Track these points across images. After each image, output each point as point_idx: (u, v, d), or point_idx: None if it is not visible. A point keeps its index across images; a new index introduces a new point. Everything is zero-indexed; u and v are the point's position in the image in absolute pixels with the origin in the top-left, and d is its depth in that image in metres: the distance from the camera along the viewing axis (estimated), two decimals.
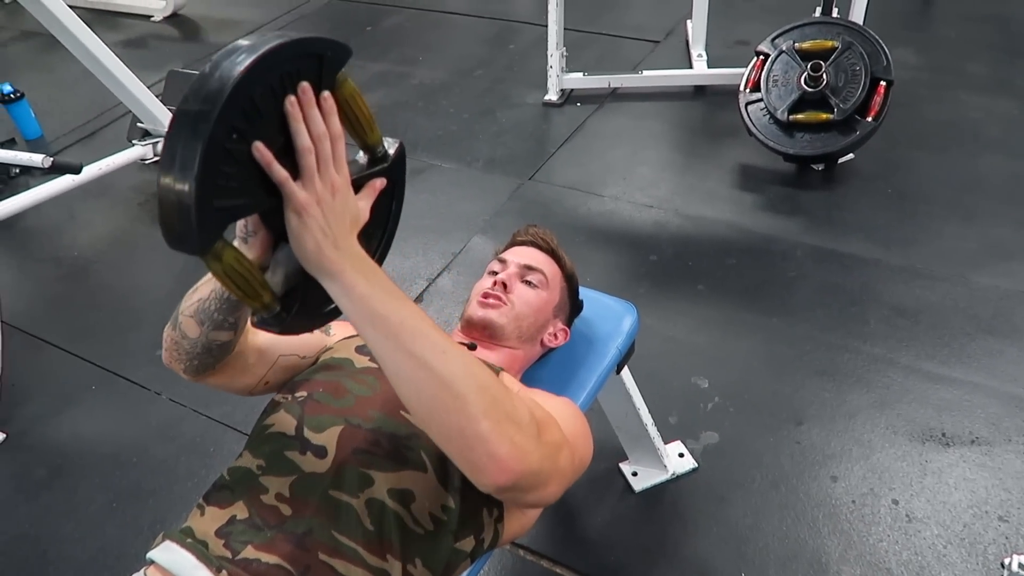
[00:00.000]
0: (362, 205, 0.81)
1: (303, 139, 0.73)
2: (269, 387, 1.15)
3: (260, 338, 1.11)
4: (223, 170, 0.68)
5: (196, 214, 0.66)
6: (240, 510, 0.96)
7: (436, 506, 0.98)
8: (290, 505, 0.95)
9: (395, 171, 0.87)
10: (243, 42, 0.70)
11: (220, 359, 1.02)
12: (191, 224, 0.66)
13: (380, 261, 0.92)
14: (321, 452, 0.98)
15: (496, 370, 1.18)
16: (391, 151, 0.87)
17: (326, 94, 0.75)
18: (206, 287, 0.95)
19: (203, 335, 0.97)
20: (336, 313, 0.82)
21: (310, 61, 0.73)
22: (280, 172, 0.72)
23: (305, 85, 0.73)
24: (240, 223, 0.81)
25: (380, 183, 0.85)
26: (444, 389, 0.77)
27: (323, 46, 0.74)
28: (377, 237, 0.91)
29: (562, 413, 1.02)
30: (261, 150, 0.70)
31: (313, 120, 0.74)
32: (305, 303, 0.82)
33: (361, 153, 0.85)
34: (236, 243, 0.83)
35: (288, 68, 0.71)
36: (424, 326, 0.78)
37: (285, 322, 0.81)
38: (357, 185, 0.81)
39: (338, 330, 1.27)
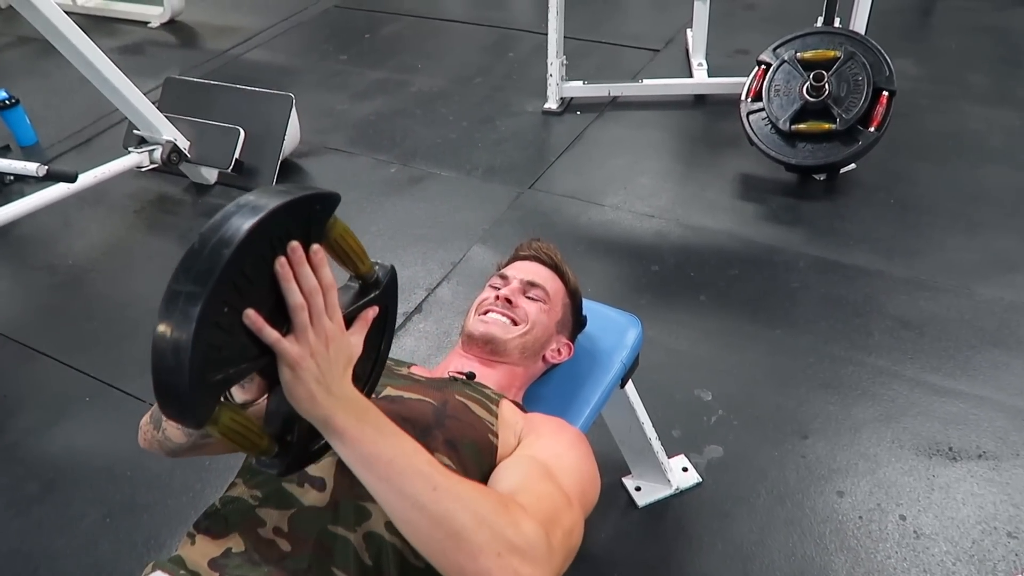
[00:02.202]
0: (355, 340, 0.80)
1: (295, 297, 0.73)
2: None
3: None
4: (215, 343, 0.68)
5: (191, 393, 0.66)
6: (236, 543, 0.93)
7: None
8: (289, 540, 0.92)
9: (387, 296, 0.88)
10: (233, 210, 0.69)
11: (204, 448, 1.03)
12: (188, 404, 0.67)
13: (374, 384, 0.94)
14: (320, 484, 0.96)
15: (495, 398, 1.15)
16: (382, 275, 0.87)
17: (316, 248, 0.75)
18: None
19: (189, 442, 0.98)
20: (330, 447, 0.82)
21: (299, 219, 0.73)
22: (272, 335, 0.71)
23: (295, 245, 0.72)
24: None
25: (372, 313, 0.84)
26: (438, 528, 0.75)
27: (312, 203, 0.74)
28: (371, 359, 0.91)
29: (570, 465, 0.99)
30: (252, 318, 0.70)
31: (304, 277, 0.73)
32: (302, 442, 0.82)
33: (351, 279, 0.86)
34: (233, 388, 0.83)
35: (278, 232, 0.71)
36: (415, 462, 0.77)
37: (283, 464, 0.82)
38: (350, 318, 0.81)
39: None
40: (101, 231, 2.91)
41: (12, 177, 3.00)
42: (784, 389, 1.99)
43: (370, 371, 0.93)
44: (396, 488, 0.76)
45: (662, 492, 1.76)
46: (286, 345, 0.73)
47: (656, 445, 1.68)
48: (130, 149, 2.84)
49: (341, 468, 0.97)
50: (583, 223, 2.67)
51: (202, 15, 4.62)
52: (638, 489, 1.77)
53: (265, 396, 0.82)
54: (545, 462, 0.97)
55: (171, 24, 4.55)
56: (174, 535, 1.77)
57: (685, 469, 1.80)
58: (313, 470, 0.97)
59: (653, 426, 1.65)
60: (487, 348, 1.26)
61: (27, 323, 2.44)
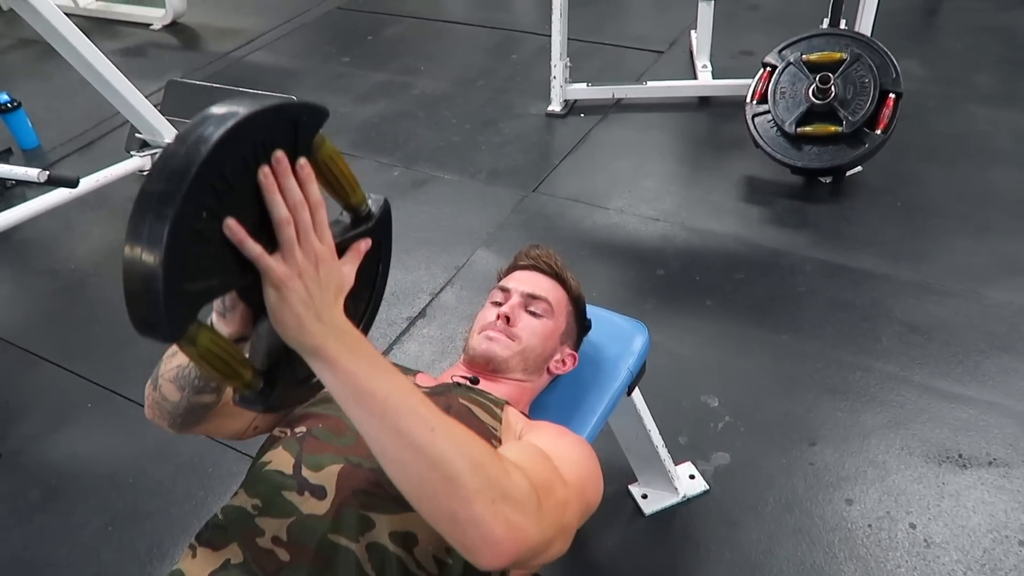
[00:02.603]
0: (346, 270, 0.76)
1: (280, 210, 0.68)
2: (259, 431, 1.12)
3: None
4: (192, 252, 0.63)
5: (165, 301, 0.61)
6: (235, 553, 0.92)
7: (441, 549, 0.94)
8: (288, 550, 0.91)
9: (380, 230, 0.83)
10: (213, 111, 0.64)
11: (204, 417, 0.99)
12: (160, 313, 0.61)
13: (368, 324, 0.88)
14: (320, 492, 0.94)
15: (500, 403, 1.14)
16: (375, 209, 0.82)
17: (302, 161, 0.71)
18: (183, 355, 0.90)
19: (184, 399, 0.93)
20: (321, 385, 0.77)
21: (284, 127, 0.69)
22: (254, 248, 0.67)
23: (279, 154, 0.68)
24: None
25: (365, 245, 0.80)
26: (433, 470, 0.72)
27: (297, 111, 0.70)
28: (364, 299, 0.87)
29: (570, 458, 0.97)
30: (233, 228, 0.65)
31: (289, 190, 0.69)
32: (289, 378, 0.77)
33: (344, 213, 0.81)
34: (214, 318, 0.79)
35: (261, 138, 0.67)
36: (411, 401, 0.73)
37: (269, 399, 0.76)
38: (340, 248, 0.76)
39: None
40: (103, 235, 2.90)
41: (14, 181, 2.99)
42: (791, 395, 1.97)
43: (364, 310, 0.87)
44: (391, 426, 0.72)
45: (669, 500, 1.74)
46: (270, 261, 0.68)
47: (663, 452, 1.67)
48: (132, 152, 2.82)
49: (343, 476, 0.95)
50: (587, 227, 2.65)
51: (204, 17, 4.60)
52: (645, 497, 1.75)
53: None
54: (545, 451, 0.95)
55: (173, 26, 4.54)
56: (176, 543, 1.75)
57: (692, 476, 1.78)
58: (314, 478, 0.96)
59: (659, 433, 1.64)
60: (489, 367, 1.24)
61: (29, 328, 2.43)
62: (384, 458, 0.74)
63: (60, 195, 2.46)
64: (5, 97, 3.30)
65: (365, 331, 0.88)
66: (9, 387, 2.11)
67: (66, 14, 2.39)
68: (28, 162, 3.30)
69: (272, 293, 0.69)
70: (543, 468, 0.88)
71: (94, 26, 4.53)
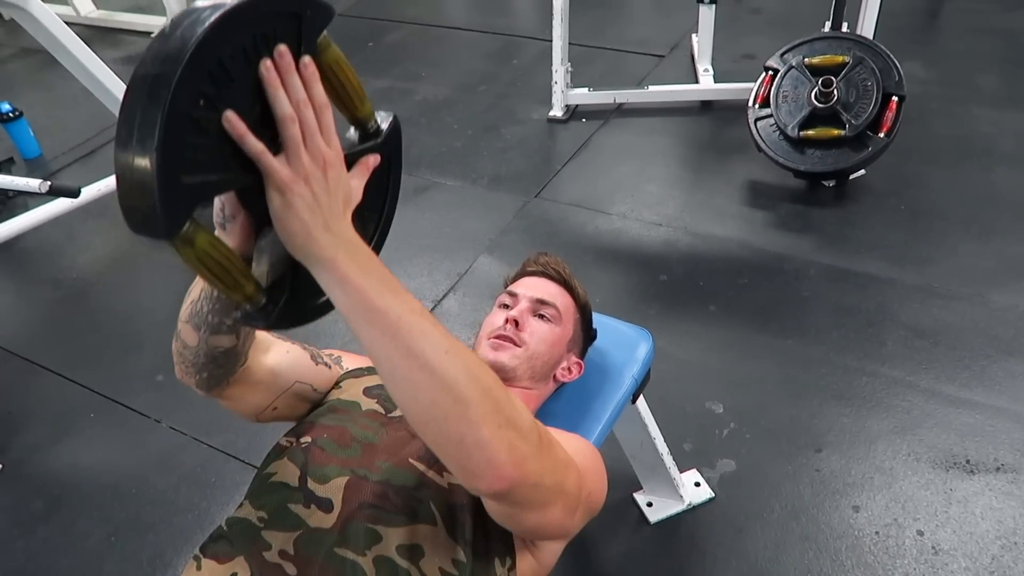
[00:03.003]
0: (354, 184, 0.72)
1: (283, 106, 0.64)
2: (277, 413, 1.10)
3: (273, 358, 1.06)
4: (190, 141, 0.59)
5: (160, 192, 0.57)
6: (241, 567, 0.91)
7: (447, 560, 0.93)
8: (294, 563, 0.90)
9: (389, 147, 0.77)
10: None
11: (229, 370, 0.96)
12: (154, 203, 0.57)
13: (376, 250, 0.82)
14: (327, 505, 0.93)
15: None
16: (384, 125, 0.77)
17: (307, 59, 0.66)
18: (196, 287, 0.88)
19: (202, 341, 0.90)
20: (329, 307, 0.74)
21: (287, 21, 0.64)
22: (254, 144, 0.63)
23: (282, 48, 0.64)
24: (217, 207, 0.73)
25: (374, 160, 0.75)
26: (445, 393, 0.69)
27: (301, 4, 0.65)
28: (373, 221, 0.82)
29: (575, 448, 0.97)
30: (232, 120, 0.61)
31: (293, 86, 0.65)
32: (293, 294, 0.73)
33: (352, 129, 0.77)
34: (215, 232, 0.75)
35: (262, 28, 0.62)
36: (424, 323, 0.70)
37: (272, 316, 0.72)
38: (348, 163, 0.72)
39: (350, 361, 1.22)
40: (105, 244, 2.90)
41: (15, 191, 2.99)
42: (797, 401, 1.96)
43: (373, 234, 0.83)
44: (404, 345, 0.69)
45: (674, 508, 1.73)
46: (274, 162, 0.64)
47: (668, 460, 1.66)
48: None
49: (349, 489, 0.95)
50: (590, 232, 2.64)
51: None
52: (650, 505, 1.74)
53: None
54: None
55: None
56: (179, 554, 1.75)
57: (697, 484, 1.77)
58: (320, 491, 0.95)
59: (664, 440, 1.63)
60: (498, 376, 1.23)
61: (31, 338, 2.43)
62: (393, 379, 0.71)
63: (62, 205, 2.45)
64: (7, 106, 3.31)
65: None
66: (11, 397, 2.10)
67: (67, 23, 2.39)
68: (30, 171, 3.30)
69: (276, 197, 0.65)
70: (549, 433, 0.87)
71: (95, 35, 4.53)
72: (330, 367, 1.17)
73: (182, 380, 0.99)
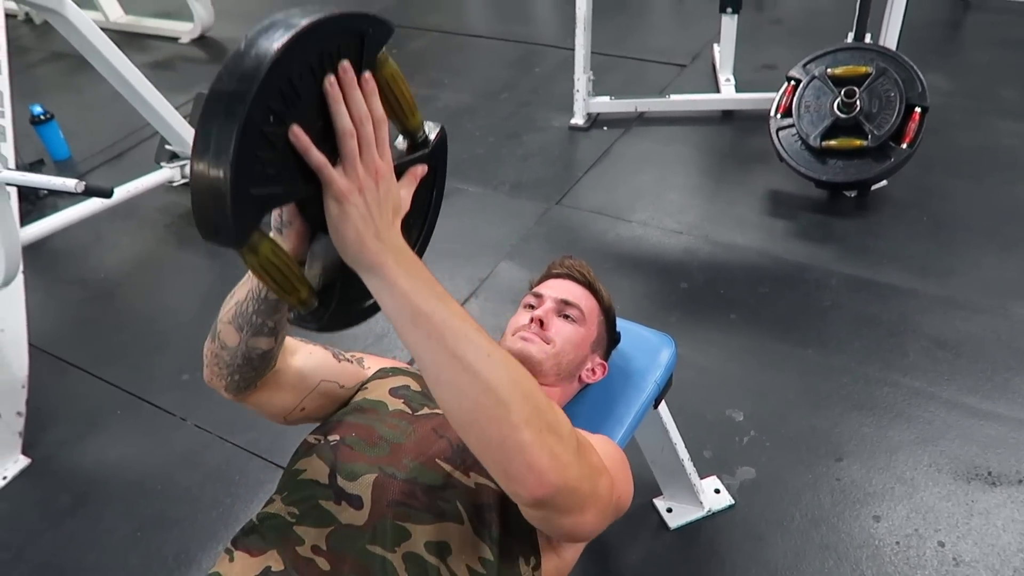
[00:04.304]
0: (403, 194, 0.76)
1: (344, 121, 0.68)
2: (305, 414, 1.12)
3: (300, 360, 1.08)
4: (260, 155, 0.63)
5: (232, 203, 0.61)
6: (275, 560, 0.93)
7: (473, 558, 0.95)
8: (328, 559, 0.92)
9: (437, 157, 0.82)
10: (280, 17, 0.65)
11: (260, 372, 0.99)
12: (227, 213, 0.62)
13: (420, 254, 0.86)
14: (357, 503, 0.95)
15: None
16: (432, 136, 0.81)
17: (367, 75, 0.70)
18: (243, 289, 0.91)
19: (242, 342, 0.93)
20: (375, 309, 0.78)
21: (351, 39, 0.68)
22: (318, 157, 0.67)
23: (346, 64, 0.68)
24: (275, 213, 0.77)
25: (421, 170, 0.80)
26: (487, 395, 0.72)
27: (365, 23, 0.69)
28: (417, 228, 0.86)
29: (605, 452, 0.98)
30: (298, 134, 0.66)
31: (355, 101, 0.69)
32: (343, 298, 0.77)
33: (400, 138, 0.81)
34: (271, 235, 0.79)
35: (328, 47, 0.66)
36: (468, 327, 0.73)
37: (323, 319, 0.76)
38: (397, 172, 0.76)
39: (372, 362, 1.24)
40: (132, 245, 2.95)
41: (46, 191, 3.05)
42: (817, 410, 1.96)
43: (417, 239, 0.87)
44: (448, 348, 0.72)
45: (694, 514, 1.74)
46: (334, 173, 0.69)
47: (688, 466, 1.67)
48: (162, 164, 2.87)
49: (377, 487, 0.97)
50: (611, 239, 2.66)
51: (231, 31, 4.67)
52: (669, 511, 1.75)
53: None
54: None
55: (201, 40, 4.61)
56: (204, 550, 1.77)
57: (717, 491, 1.78)
58: (349, 487, 0.97)
59: (684, 446, 1.63)
60: None
61: (60, 336, 2.47)
62: (438, 382, 0.74)
63: (93, 205, 2.50)
64: (38, 109, 3.37)
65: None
66: (40, 394, 2.14)
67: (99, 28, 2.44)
68: (60, 172, 3.36)
69: (333, 206, 0.69)
70: (582, 434, 0.89)
71: (123, 40, 4.58)
72: (352, 363, 1.20)
73: (210, 383, 1.02)
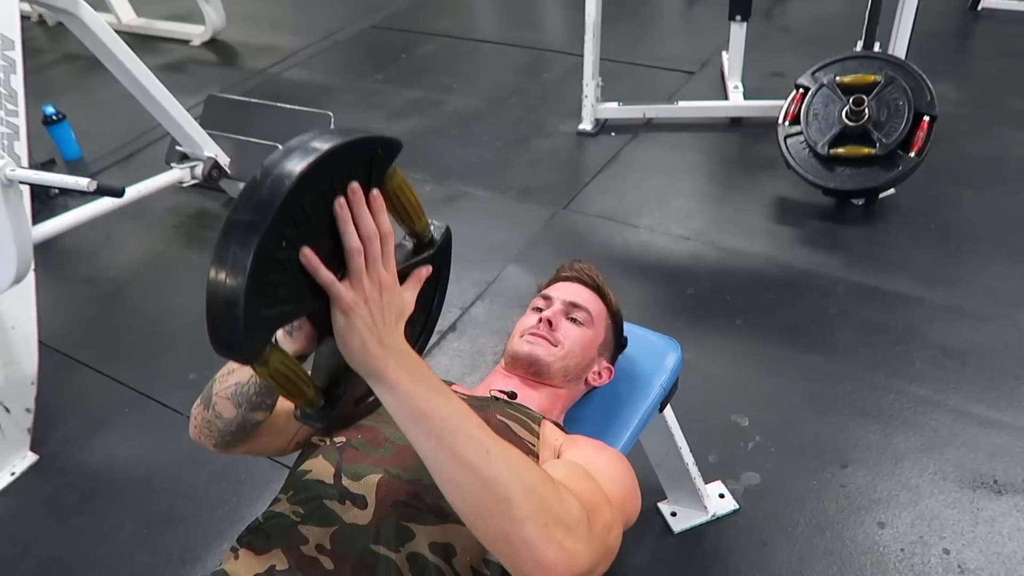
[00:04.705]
0: (407, 297, 0.80)
1: (353, 241, 0.72)
2: (299, 446, 1.14)
3: (286, 403, 1.09)
4: (271, 279, 0.67)
5: (245, 326, 0.65)
6: (279, 559, 0.93)
7: (478, 560, 0.95)
8: (332, 558, 0.92)
9: (441, 256, 0.87)
10: (296, 145, 0.68)
11: (253, 434, 1.03)
12: (240, 336, 0.66)
13: (424, 344, 0.92)
14: (361, 502, 0.96)
15: (537, 418, 1.15)
16: (437, 236, 0.86)
17: (375, 192, 0.74)
18: (244, 371, 0.95)
19: (239, 415, 0.97)
20: (378, 403, 0.81)
21: (360, 160, 0.72)
22: (327, 276, 0.71)
23: (355, 186, 0.72)
24: None
25: (426, 271, 0.83)
26: (488, 492, 0.74)
27: (375, 145, 0.73)
28: (420, 322, 0.90)
29: (611, 475, 0.99)
30: (309, 257, 0.70)
31: (363, 220, 0.73)
32: (348, 396, 0.81)
33: (407, 237, 0.85)
34: (279, 334, 0.83)
35: (339, 171, 0.70)
36: (467, 424, 0.76)
37: (329, 416, 0.80)
38: (404, 274, 0.80)
39: None
40: (141, 245, 2.97)
41: (57, 190, 3.07)
42: (823, 416, 1.96)
43: (419, 333, 0.91)
44: (448, 447, 0.74)
45: (698, 518, 1.74)
46: (341, 289, 0.72)
47: (693, 471, 1.67)
48: (172, 165, 2.89)
49: (382, 487, 0.97)
50: (618, 244, 2.66)
51: (242, 34, 4.71)
52: (674, 515, 1.75)
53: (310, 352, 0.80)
54: (586, 468, 0.96)
55: (212, 43, 4.65)
56: (209, 548, 1.78)
57: (722, 495, 1.78)
58: (354, 487, 0.97)
59: (690, 450, 1.64)
60: (531, 370, 1.26)
61: (68, 334, 2.48)
62: (441, 478, 0.76)
63: (104, 205, 2.52)
64: (51, 109, 3.40)
65: (420, 352, 0.91)
66: (49, 391, 2.15)
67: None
68: (71, 173, 3.34)
69: (340, 318, 0.73)
70: (590, 490, 0.89)
71: (136, 42, 4.58)
72: None
73: (197, 439, 1.06)
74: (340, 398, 0.80)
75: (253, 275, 0.64)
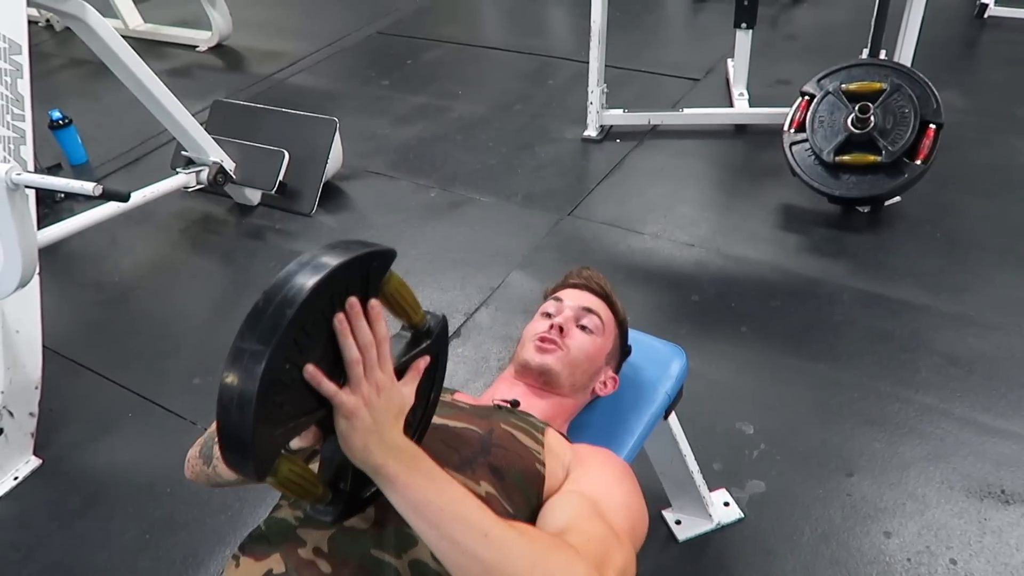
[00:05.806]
0: (406, 391, 0.83)
1: (352, 352, 0.75)
2: None
3: None
4: (277, 399, 0.70)
5: (254, 452, 0.69)
6: (276, 563, 0.93)
7: None
8: (329, 561, 0.92)
9: (438, 345, 0.90)
10: (295, 270, 0.71)
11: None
12: (249, 460, 0.70)
13: (424, 429, 0.96)
14: None
15: (541, 427, 1.14)
16: (433, 325, 0.89)
17: (373, 303, 0.78)
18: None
19: (239, 478, 0.98)
20: (380, 493, 0.84)
21: (357, 276, 0.76)
22: (330, 388, 0.74)
23: (353, 300, 0.75)
24: None
25: (424, 363, 0.87)
26: (490, 574, 0.77)
27: (368, 261, 0.76)
28: (420, 407, 0.93)
29: (619, 503, 1.00)
30: (312, 373, 0.73)
31: (361, 332, 0.76)
32: (354, 489, 0.85)
33: (402, 327, 0.88)
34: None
35: (337, 289, 0.73)
36: (464, 510, 0.79)
37: (337, 512, 0.85)
38: (402, 368, 0.83)
39: None
40: (147, 249, 2.97)
41: (63, 195, 3.08)
42: (828, 424, 1.95)
43: (420, 417, 0.95)
44: (447, 534, 0.78)
45: (703, 527, 1.73)
46: (343, 397, 0.75)
47: (698, 478, 1.66)
48: (178, 170, 2.90)
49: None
50: (622, 251, 2.66)
51: (248, 40, 4.72)
52: (678, 523, 1.74)
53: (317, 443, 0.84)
54: (593, 498, 0.97)
55: (218, 48, 4.66)
56: (212, 553, 1.77)
57: (726, 504, 1.77)
58: None
59: (694, 458, 1.63)
60: (541, 379, 1.25)
61: (73, 338, 2.48)
62: (445, 562, 0.79)
63: (109, 209, 2.52)
64: (57, 114, 3.41)
65: (420, 437, 0.95)
66: (53, 395, 2.15)
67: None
68: (77, 177, 3.38)
69: (343, 422, 0.76)
70: (598, 537, 0.90)
71: (142, 47, 4.59)
72: None
73: (192, 480, 1.10)
74: (346, 491, 0.85)
75: (260, 402, 0.67)
